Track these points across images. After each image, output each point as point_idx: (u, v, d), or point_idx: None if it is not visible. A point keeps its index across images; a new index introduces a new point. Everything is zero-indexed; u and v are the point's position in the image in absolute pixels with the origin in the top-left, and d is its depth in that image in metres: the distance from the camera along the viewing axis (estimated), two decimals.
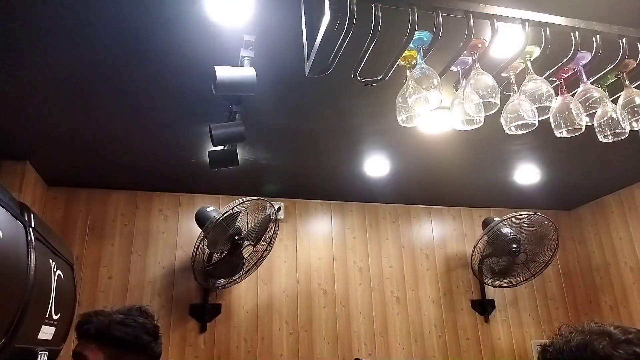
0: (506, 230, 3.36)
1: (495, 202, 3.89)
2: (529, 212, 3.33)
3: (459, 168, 3.24)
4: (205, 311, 3.11)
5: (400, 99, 1.50)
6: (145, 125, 2.50)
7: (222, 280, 3.00)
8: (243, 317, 3.22)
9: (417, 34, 1.47)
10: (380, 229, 3.71)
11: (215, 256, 2.91)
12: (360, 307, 3.45)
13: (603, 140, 1.70)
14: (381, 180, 3.31)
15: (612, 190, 3.73)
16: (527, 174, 3.32)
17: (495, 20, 1.50)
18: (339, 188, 3.48)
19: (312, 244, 3.53)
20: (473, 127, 1.65)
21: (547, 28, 1.54)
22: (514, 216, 3.34)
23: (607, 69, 1.66)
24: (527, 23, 1.52)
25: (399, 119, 1.54)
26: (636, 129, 1.72)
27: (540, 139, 2.84)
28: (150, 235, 3.24)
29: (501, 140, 2.83)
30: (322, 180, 3.34)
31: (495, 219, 3.47)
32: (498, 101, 1.48)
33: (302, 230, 3.55)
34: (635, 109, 1.65)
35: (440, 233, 3.85)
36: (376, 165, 3.08)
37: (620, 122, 1.65)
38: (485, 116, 1.63)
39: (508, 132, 1.64)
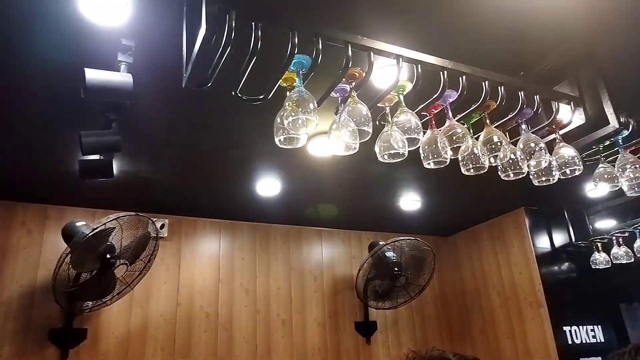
0: (389, 253, 3.50)
1: (383, 227, 4.05)
2: (410, 237, 3.51)
3: (349, 192, 3.33)
4: (67, 336, 2.80)
5: (278, 120, 1.49)
6: (10, 128, 2.22)
7: (89, 303, 2.73)
8: (112, 343, 2.95)
9: (297, 57, 1.48)
10: (270, 249, 3.67)
11: (84, 276, 2.64)
12: (243, 330, 3.35)
13: (466, 173, 1.84)
14: (273, 200, 3.28)
15: (484, 219, 4.08)
16: (411, 201, 3.51)
17: (372, 53, 1.57)
18: (229, 207, 3.38)
19: (197, 265, 3.37)
20: (349, 153, 1.70)
21: (419, 65, 1.65)
22: (396, 240, 3.49)
23: (472, 108, 1.81)
24: (400, 59, 1.61)
25: (276, 139, 1.52)
26: (494, 164, 1.89)
27: (423, 169, 3.03)
28: (8, 251, 2.87)
29: (388, 167, 2.96)
30: (211, 198, 3.23)
31: (380, 242, 3.60)
32: (370, 130, 1.53)
33: (187, 249, 3.38)
34: (493, 146, 1.81)
35: (330, 255, 3.90)
36: (267, 185, 3.05)
37: (480, 158, 1.79)
38: (362, 143, 1.69)
39: (381, 159, 1.71)
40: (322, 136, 2.45)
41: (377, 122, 1.83)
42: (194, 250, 3.40)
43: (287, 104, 1.45)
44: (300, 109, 1.45)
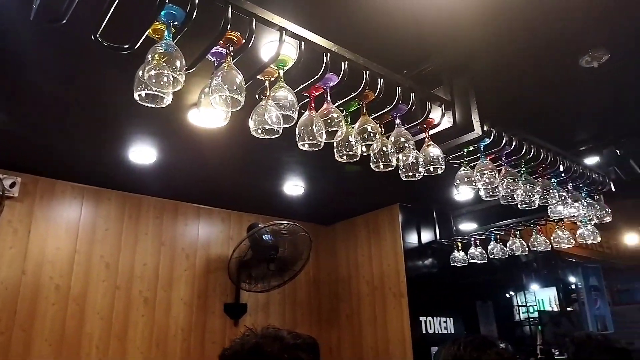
0: (267, 237, 3.47)
1: (265, 210, 4.01)
2: (288, 222, 3.51)
3: (232, 171, 3.23)
4: None
5: (140, 73, 1.35)
6: None
7: None
8: None
9: (169, 8, 1.36)
10: (141, 222, 3.43)
11: None
12: (98, 306, 3.09)
13: (339, 159, 1.85)
14: (147, 170, 3.05)
15: (363, 212, 4.23)
16: (294, 186, 3.51)
17: (254, 19, 1.49)
18: (96, 171, 3.08)
19: (51, 231, 3.03)
20: (220, 122, 1.61)
21: (303, 43, 1.61)
22: (275, 224, 3.47)
23: (351, 96, 1.83)
24: (284, 32, 1.56)
25: (135, 94, 1.39)
26: (365, 153, 1.93)
27: (307, 155, 3.03)
28: None
29: (273, 150, 2.92)
30: (75, 159, 2.91)
31: (259, 224, 3.55)
32: (242, 99, 1.45)
33: (41, 213, 3.02)
34: (367, 136, 1.85)
35: (207, 234, 3.76)
36: (141, 153, 2.83)
37: (354, 145, 1.81)
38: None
39: (254, 134, 1.65)
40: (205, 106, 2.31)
41: (257, 97, 1.77)
42: (49, 215, 3.05)
43: (150, 55, 1.32)
44: (166, 65, 1.32)
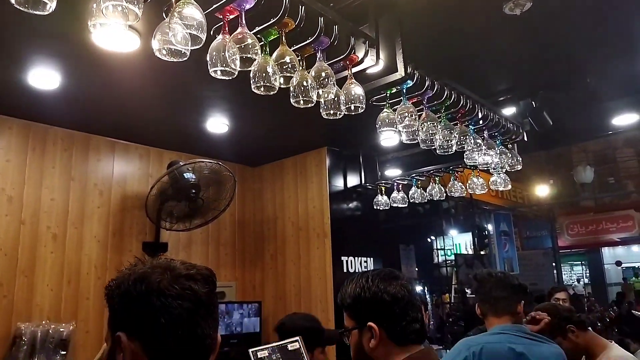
0: (188, 175, 3.35)
1: (187, 148, 3.85)
2: (211, 161, 3.40)
3: (149, 103, 3.02)
4: None
5: None
6: None
7: None
8: None
9: None
10: (47, 155, 3.16)
11: None
12: (1, 241, 2.87)
13: (256, 91, 1.76)
14: (52, 97, 2.77)
15: (291, 154, 4.19)
16: (219, 124, 3.37)
17: None
18: None
19: None
20: (123, 45, 1.45)
21: None
22: (196, 162, 3.35)
23: (269, 23, 1.72)
24: None
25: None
26: (283, 85, 1.85)
27: (231, 88, 2.88)
28: None
29: (194, 82, 2.74)
30: None
31: (180, 162, 3.41)
32: (138, 11, 1.30)
33: None
34: (285, 67, 1.76)
35: (123, 170, 3.56)
36: (42, 77, 2.55)
37: (271, 76, 1.72)
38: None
39: (159, 55, 1.51)
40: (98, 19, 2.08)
41: (164, 15, 1.61)
42: None
43: None
44: None
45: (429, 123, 2.43)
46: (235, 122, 3.38)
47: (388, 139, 3.93)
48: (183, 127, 3.44)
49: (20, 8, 1.25)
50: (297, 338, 1.65)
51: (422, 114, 2.41)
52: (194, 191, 3.35)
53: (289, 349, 1.61)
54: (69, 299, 3.08)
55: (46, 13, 1.28)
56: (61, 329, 2.71)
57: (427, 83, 2.37)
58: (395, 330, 1.22)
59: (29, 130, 3.10)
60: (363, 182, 4.16)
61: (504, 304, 1.85)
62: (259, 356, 1.60)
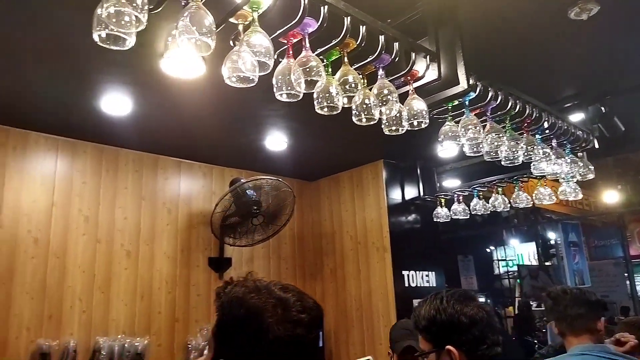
0: (250, 192, 3.44)
1: (248, 165, 3.96)
2: (271, 177, 3.48)
3: (211, 124, 3.14)
4: None
5: (98, 11, 1.25)
6: None
7: None
8: None
9: None
10: (120, 176, 3.36)
11: None
12: (79, 259, 3.07)
13: (320, 111, 1.79)
14: (123, 122, 2.95)
15: (347, 168, 4.20)
16: (277, 141, 3.44)
17: None
18: (69, 122, 2.97)
19: (25, 184, 2.95)
20: (192, 72, 1.53)
21: None
22: (257, 179, 3.43)
23: (331, 44, 1.74)
24: None
25: (95, 35, 1.29)
26: (347, 105, 1.87)
27: (290, 106, 2.94)
28: None
29: (254, 102, 2.83)
30: (47, 109, 2.79)
31: (242, 179, 3.51)
32: (212, 43, 1.36)
33: (15, 165, 2.93)
34: (349, 87, 1.78)
35: (188, 189, 3.72)
36: (115, 103, 2.72)
37: (335, 97, 1.75)
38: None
39: (229, 82, 1.57)
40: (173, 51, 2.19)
41: (231, 43, 1.68)
42: (24, 167, 2.96)
43: None
44: (126, 1, 1.22)
45: (493, 134, 2.36)
46: (293, 139, 3.44)
47: (446, 150, 3.87)
48: (243, 146, 3.54)
49: (103, 45, 1.34)
50: (369, 357, 1.64)
51: (486, 126, 2.35)
52: (255, 207, 3.43)
53: None
54: (142, 313, 3.24)
55: (126, 49, 1.37)
56: (136, 343, 2.85)
57: (490, 94, 2.30)
58: (475, 355, 1.19)
59: (102, 153, 3.31)
60: (421, 194, 4.09)
61: (581, 322, 1.75)
62: None
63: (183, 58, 1.59)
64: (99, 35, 1.29)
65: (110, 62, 2.31)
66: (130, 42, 1.32)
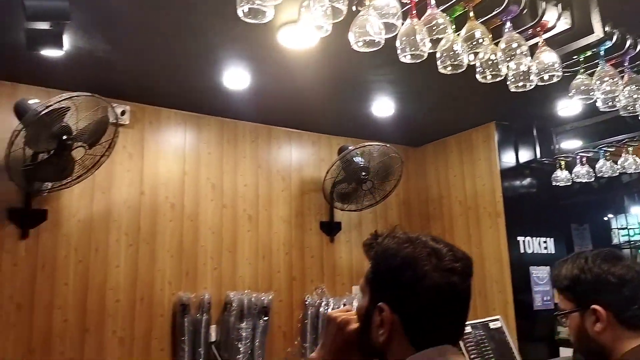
0: (358, 158, 3.50)
1: (354, 132, 4.01)
2: (379, 144, 3.50)
3: (321, 93, 3.22)
4: (26, 216, 2.76)
5: None
6: None
7: (48, 184, 2.66)
8: (74, 226, 2.94)
9: None
10: (238, 147, 3.60)
11: (40, 155, 2.54)
12: (209, 223, 3.38)
13: (443, 70, 1.76)
14: (241, 95, 3.14)
15: (455, 132, 4.08)
16: (383, 107, 3.43)
17: None
18: (195, 98, 3.24)
19: (161, 156, 3.29)
20: (320, 34, 1.58)
21: None
22: (366, 146, 3.48)
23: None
24: None
25: (239, 10, 1.39)
26: (472, 62, 1.82)
27: (397, 72, 2.92)
28: None
29: (362, 69, 2.85)
30: (176, 87, 3.06)
31: (349, 147, 3.58)
32: (344, 7, 1.40)
33: (151, 139, 3.27)
34: (475, 42, 1.72)
35: (299, 157, 3.88)
36: (235, 78, 2.90)
37: (460, 54, 1.71)
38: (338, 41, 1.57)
39: (355, 47, 1.60)
40: (294, 25, 2.27)
41: (355, 8, 1.70)
42: (158, 141, 3.30)
43: None
44: None
45: (632, 86, 2.15)
46: (399, 104, 3.41)
47: (566, 108, 3.58)
48: (350, 113, 3.59)
49: (246, 20, 1.44)
50: (498, 317, 1.63)
51: (623, 77, 2.15)
52: (364, 174, 3.49)
53: (490, 327, 1.61)
54: (264, 272, 3.51)
55: (265, 21, 1.46)
56: (262, 298, 3.11)
57: (628, 42, 2.10)
58: (626, 314, 1.14)
59: (223, 126, 3.57)
60: (538, 156, 3.85)
61: None
62: None
63: (303, 28, 1.64)
64: (243, 10, 1.38)
65: (233, 38, 2.46)
66: (269, 14, 1.41)
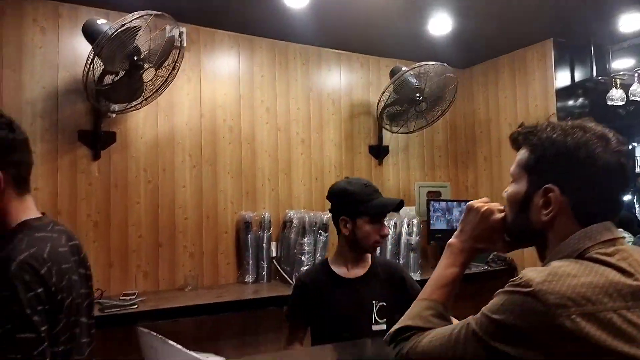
0: (412, 79, 3.46)
1: (402, 54, 3.93)
2: (436, 63, 3.44)
3: (370, 13, 3.13)
4: (97, 138, 2.86)
5: None
6: None
7: (117, 106, 2.72)
8: (142, 148, 3.03)
9: None
10: (290, 69, 3.58)
11: (111, 77, 2.58)
12: (265, 145, 3.45)
13: None
14: (296, 15, 3.08)
15: (507, 51, 3.97)
16: (439, 24, 3.32)
17: None
18: (247, 19, 3.17)
19: (217, 79, 3.31)
20: None
21: None
22: (422, 66, 3.42)
23: None
24: None
25: None
26: None
27: None
28: (24, 49, 2.73)
29: None
30: (229, 6, 3.01)
31: (403, 68, 3.53)
32: None
33: (207, 62, 3.27)
34: None
35: (348, 80, 3.85)
36: None
37: None
38: None
39: None
40: None
41: None
42: (214, 64, 3.30)
43: None
44: None
45: None
46: (456, 20, 3.30)
47: (626, 24, 3.44)
48: (401, 33, 3.50)
49: None
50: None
51: None
52: (418, 95, 3.47)
53: None
54: (317, 193, 3.62)
55: None
56: (322, 215, 3.23)
57: None
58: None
59: (274, 48, 3.53)
60: (594, 75, 3.75)
61: None
62: None
63: None
64: None
65: None
66: None
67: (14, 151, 1.15)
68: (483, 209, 1.09)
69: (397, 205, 1.90)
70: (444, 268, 1.12)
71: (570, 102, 3.78)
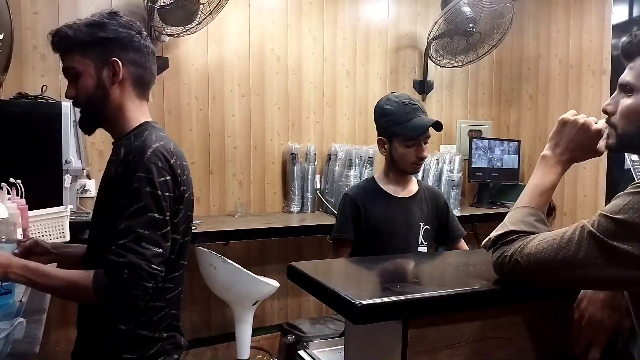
0: (466, 8, 3.33)
1: None
2: None
3: None
4: None
5: None
6: None
7: (172, 29, 2.69)
8: (193, 75, 3.04)
9: None
10: None
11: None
12: (311, 77, 3.42)
13: None
14: None
15: None
16: None
17: None
18: None
19: (265, 6, 3.23)
20: None
21: None
22: None
23: None
24: None
25: None
26: None
27: None
28: None
29: None
30: None
31: None
32: None
33: None
34: None
35: (396, 10, 3.72)
36: None
37: None
38: None
39: None
40: None
41: None
42: None
43: None
44: None
45: None
46: None
47: None
48: None
49: None
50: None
51: None
52: (471, 25, 3.35)
53: None
54: (361, 127, 3.61)
55: None
56: (368, 149, 3.25)
57: None
58: None
59: None
60: None
61: None
62: None
63: None
64: None
65: None
66: None
67: (137, 52, 1.18)
68: (582, 121, 1.10)
69: (435, 126, 1.84)
70: (541, 177, 1.14)
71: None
